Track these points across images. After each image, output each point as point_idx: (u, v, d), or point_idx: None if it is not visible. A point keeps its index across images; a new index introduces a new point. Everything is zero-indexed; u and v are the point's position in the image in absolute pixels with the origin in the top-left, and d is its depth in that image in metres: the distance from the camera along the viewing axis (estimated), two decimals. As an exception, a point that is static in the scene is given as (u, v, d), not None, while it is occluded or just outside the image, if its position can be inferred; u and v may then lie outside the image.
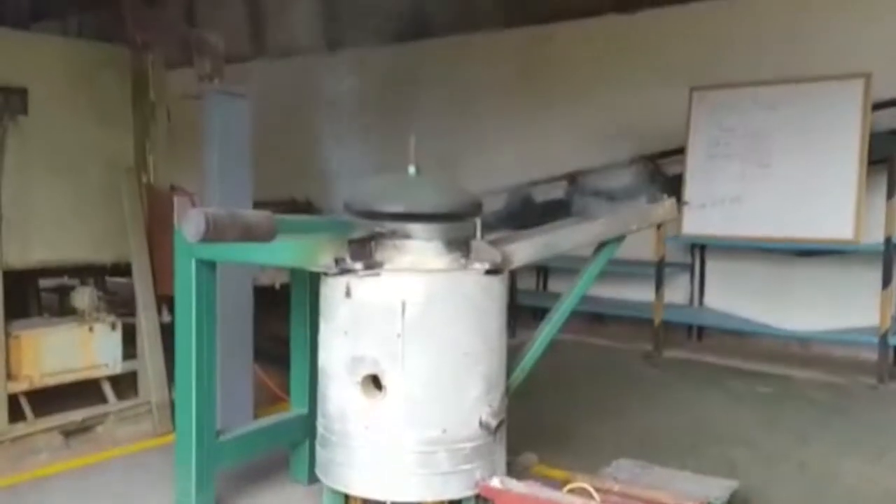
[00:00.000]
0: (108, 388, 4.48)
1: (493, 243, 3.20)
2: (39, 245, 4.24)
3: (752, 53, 6.55)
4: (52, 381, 4.24)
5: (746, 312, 6.61)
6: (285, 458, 3.78)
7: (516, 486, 3.04)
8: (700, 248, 6.95)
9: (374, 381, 2.98)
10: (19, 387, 4.11)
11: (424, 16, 8.02)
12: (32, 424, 4.09)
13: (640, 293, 6.99)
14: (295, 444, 3.72)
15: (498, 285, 3.13)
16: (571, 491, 3.12)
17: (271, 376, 4.53)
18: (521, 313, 6.93)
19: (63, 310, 4.61)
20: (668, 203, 3.92)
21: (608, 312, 7.26)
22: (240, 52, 9.35)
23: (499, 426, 3.07)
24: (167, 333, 4.05)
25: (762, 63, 6.43)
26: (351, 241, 2.94)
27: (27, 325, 4.28)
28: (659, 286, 6.52)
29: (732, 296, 6.82)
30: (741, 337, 6.79)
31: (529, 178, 7.47)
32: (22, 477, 3.79)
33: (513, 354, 3.37)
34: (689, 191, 6.41)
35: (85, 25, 5.12)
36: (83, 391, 4.40)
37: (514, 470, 3.38)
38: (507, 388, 3.27)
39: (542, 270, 7.86)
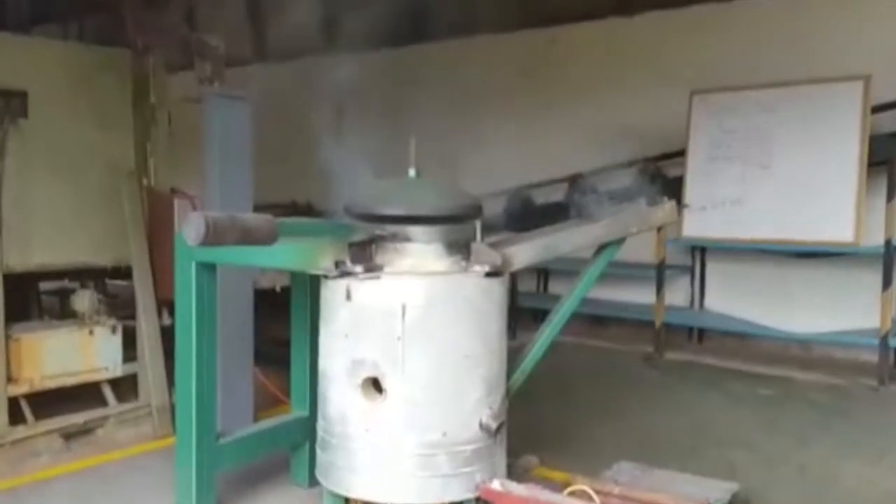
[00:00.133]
0: (108, 391, 4.48)
1: (494, 245, 3.20)
2: (40, 248, 4.24)
3: (752, 56, 6.56)
4: (52, 384, 4.24)
5: (747, 314, 6.61)
6: (285, 461, 3.78)
7: (517, 488, 3.04)
8: (700, 251, 6.96)
9: (375, 384, 2.98)
10: (20, 390, 4.11)
11: (425, 18, 8.04)
12: (33, 427, 4.09)
13: (640, 295, 6.99)
14: (295, 446, 3.72)
15: (498, 288, 3.14)
16: (572, 493, 3.12)
17: (272, 379, 4.53)
18: (522, 315, 6.94)
19: (63, 313, 4.61)
20: (669, 206, 3.92)
21: (609, 314, 7.26)
22: (240, 55, 9.37)
23: (499, 428, 3.07)
24: (167, 336, 4.05)
25: (762, 65, 6.44)
26: (351, 244, 2.94)
27: (28, 328, 4.28)
28: (659, 288, 6.52)
29: (733, 298, 6.82)
30: (742, 339, 6.79)
31: (530, 181, 7.48)
32: (22, 480, 3.79)
33: (513, 356, 3.37)
34: (690, 193, 6.41)
35: (85, 29, 5.14)
36: (83, 394, 4.41)
37: (514, 472, 3.38)
38: (508, 391, 3.27)
39: (542, 272, 7.86)
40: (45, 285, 4.81)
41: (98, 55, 4.56)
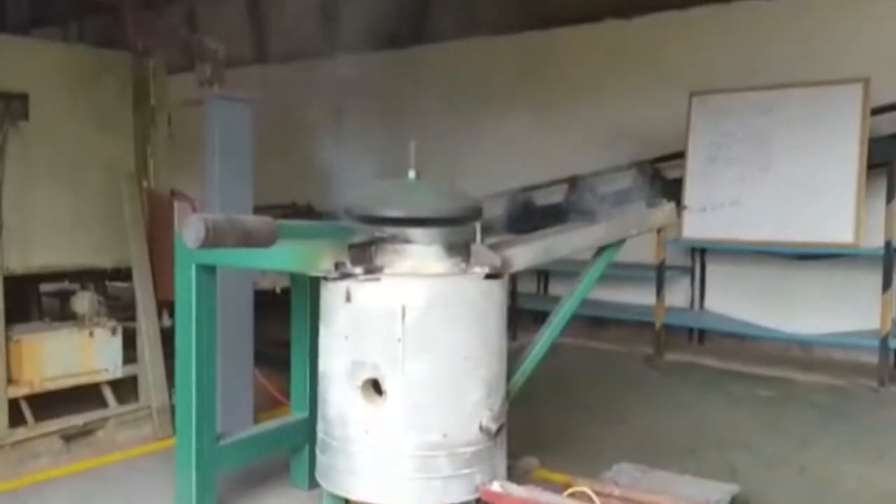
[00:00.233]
0: (108, 393, 4.48)
1: (494, 247, 3.21)
2: (40, 250, 4.24)
3: (752, 58, 6.56)
4: (52, 386, 4.24)
5: (747, 316, 6.61)
6: (286, 463, 3.78)
7: (517, 490, 3.04)
8: (700, 252, 6.96)
9: (375, 386, 2.98)
10: (20, 391, 4.11)
11: (425, 21, 8.06)
12: (33, 429, 4.09)
13: (640, 297, 7.00)
14: (295, 448, 3.72)
15: (498, 289, 3.14)
16: (572, 495, 3.12)
17: (272, 380, 4.53)
18: (522, 317, 6.95)
19: (64, 314, 4.61)
20: (668, 208, 3.93)
21: (609, 316, 7.26)
22: (241, 57, 9.38)
23: (499, 430, 3.07)
24: (167, 338, 4.05)
25: (761, 67, 6.45)
26: (351, 246, 2.94)
27: (28, 330, 4.28)
28: (659, 290, 6.53)
29: (733, 299, 6.82)
30: (742, 340, 6.79)
31: (529, 182, 7.48)
32: (22, 481, 3.79)
33: (513, 358, 3.37)
34: (690, 194, 6.42)
35: (86, 31, 5.13)
36: (84, 396, 4.41)
37: (514, 474, 3.37)
38: (508, 392, 3.27)
39: (542, 274, 7.86)
40: (45, 287, 4.81)
41: (98, 57, 4.57)
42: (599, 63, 7.45)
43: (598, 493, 3.13)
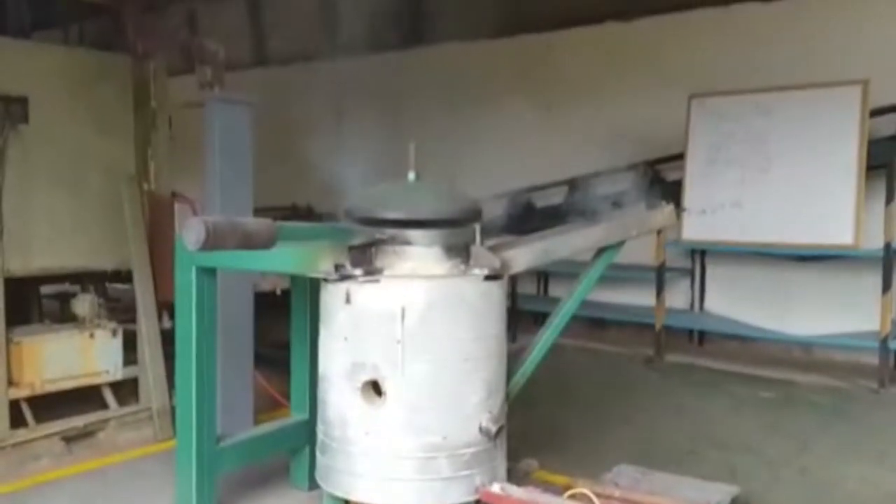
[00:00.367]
0: (109, 395, 4.49)
1: (493, 249, 3.21)
2: (41, 252, 4.25)
3: (751, 60, 6.57)
4: (53, 388, 4.24)
5: (747, 317, 6.61)
6: (286, 464, 3.78)
7: (516, 491, 3.05)
8: (700, 253, 6.96)
9: (375, 387, 2.99)
10: (21, 393, 4.11)
11: (425, 24, 8.06)
12: (34, 430, 4.09)
13: (640, 298, 7.00)
14: (295, 450, 3.72)
15: (497, 291, 3.14)
16: (572, 496, 3.12)
17: (272, 382, 4.54)
18: (522, 318, 6.95)
19: (64, 316, 4.62)
20: (668, 209, 3.93)
21: (609, 317, 7.26)
22: (241, 59, 9.39)
23: (499, 432, 3.07)
24: (168, 340, 4.06)
25: (760, 69, 6.45)
26: (351, 248, 2.95)
27: (28, 332, 4.28)
28: (660, 291, 6.53)
29: (733, 301, 6.82)
30: (742, 342, 6.79)
31: (529, 184, 7.49)
32: (23, 483, 3.79)
33: (513, 359, 3.37)
34: (689, 196, 6.42)
35: (86, 34, 5.14)
36: (84, 397, 4.41)
37: (514, 476, 3.37)
38: (508, 394, 3.27)
39: (542, 275, 7.86)
40: (45, 289, 4.82)
41: (99, 60, 4.58)
42: (599, 65, 7.46)
43: (598, 495, 3.13)
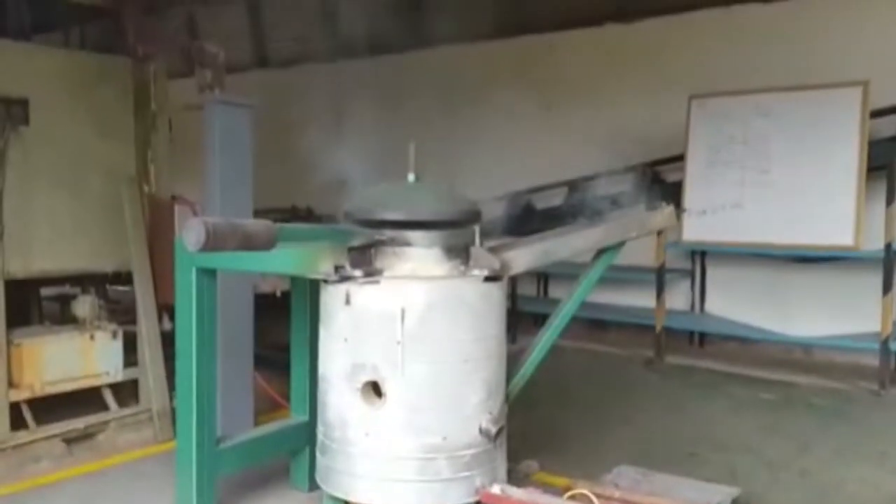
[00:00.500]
0: (109, 396, 4.49)
1: (493, 250, 3.21)
2: (41, 254, 4.25)
3: (751, 61, 6.57)
4: (53, 389, 4.25)
5: (748, 319, 6.61)
6: (286, 466, 3.78)
7: (516, 492, 3.04)
8: (701, 255, 6.97)
9: (374, 388, 2.99)
10: (21, 395, 4.11)
11: (424, 26, 8.07)
12: (34, 432, 4.10)
13: (641, 299, 7.00)
14: (295, 451, 3.72)
15: (497, 292, 3.14)
16: (572, 498, 3.12)
17: (272, 383, 4.54)
18: (522, 319, 6.95)
19: (64, 318, 4.62)
20: (668, 210, 3.93)
21: (609, 318, 7.26)
22: (241, 62, 9.40)
23: (499, 433, 3.07)
24: (168, 341, 4.06)
25: (761, 70, 6.46)
26: (351, 249, 2.95)
27: (29, 334, 4.29)
28: (660, 292, 6.53)
29: (733, 302, 6.82)
30: (743, 343, 6.79)
31: (529, 185, 7.49)
32: (24, 485, 3.80)
33: (513, 360, 3.37)
34: (690, 197, 6.43)
35: (87, 37, 5.15)
36: (85, 399, 4.41)
37: (514, 477, 3.38)
38: (508, 395, 3.27)
39: (542, 276, 7.87)
40: (46, 291, 4.82)
41: (99, 62, 4.58)
42: (599, 66, 7.47)
43: (598, 496, 3.13)
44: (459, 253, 3.07)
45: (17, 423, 4.08)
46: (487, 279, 3.06)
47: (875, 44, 6.15)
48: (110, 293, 4.88)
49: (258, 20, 10.06)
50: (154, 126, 4.70)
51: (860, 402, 5.43)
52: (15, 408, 4.09)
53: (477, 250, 3.12)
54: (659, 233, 5.69)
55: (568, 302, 3.65)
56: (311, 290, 3.49)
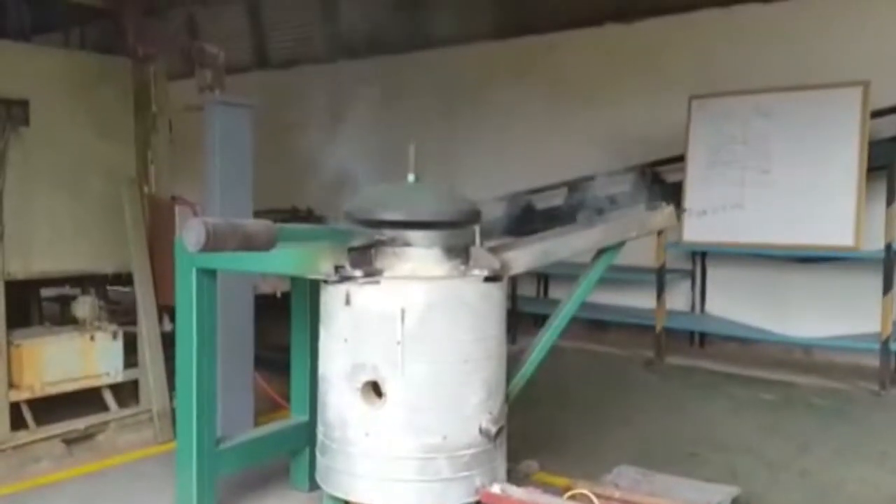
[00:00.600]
0: (109, 397, 4.49)
1: (493, 250, 3.21)
2: (41, 255, 4.25)
3: (751, 61, 6.57)
4: (53, 390, 4.25)
5: (748, 319, 6.60)
6: (286, 466, 3.78)
7: (516, 492, 3.05)
8: (701, 255, 6.96)
9: (374, 388, 2.99)
10: (21, 395, 4.12)
11: (424, 26, 8.07)
12: (34, 433, 4.10)
13: (641, 300, 7.00)
14: (295, 451, 3.72)
15: (497, 292, 3.15)
16: (572, 498, 3.12)
17: (272, 384, 4.54)
18: (522, 320, 6.95)
19: (64, 319, 4.62)
20: (668, 210, 3.93)
21: (609, 319, 7.26)
22: (241, 62, 9.41)
23: (499, 433, 3.07)
24: (168, 342, 4.06)
25: (761, 71, 6.46)
26: (351, 249, 2.96)
27: (29, 334, 4.29)
28: (660, 293, 6.53)
29: (734, 302, 6.82)
30: (743, 343, 6.79)
31: (529, 186, 7.49)
32: (24, 485, 3.80)
33: (513, 361, 3.37)
34: (690, 198, 6.42)
35: (87, 37, 5.15)
36: (85, 399, 4.41)
37: (514, 477, 3.38)
38: (508, 395, 3.27)
39: (542, 277, 7.86)
40: (46, 292, 4.83)
41: (99, 63, 4.58)
42: (599, 66, 7.47)
43: (598, 496, 3.13)
44: (459, 253, 3.08)
45: (17, 423, 4.08)
46: (487, 279, 3.06)
47: (875, 44, 6.15)
48: (110, 294, 4.88)
49: (258, 20, 10.06)
50: (154, 127, 4.70)
51: (860, 402, 5.43)
52: (15, 408, 4.09)
53: (477, 250, 3.12)
54: (659, 233, 5.69)
55: (568, 302, 3.65)
56: (312, 290, 3.49)
